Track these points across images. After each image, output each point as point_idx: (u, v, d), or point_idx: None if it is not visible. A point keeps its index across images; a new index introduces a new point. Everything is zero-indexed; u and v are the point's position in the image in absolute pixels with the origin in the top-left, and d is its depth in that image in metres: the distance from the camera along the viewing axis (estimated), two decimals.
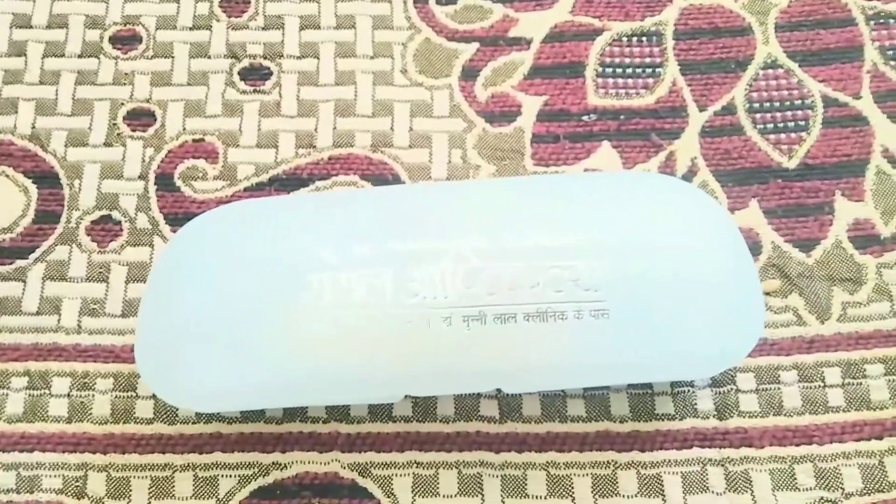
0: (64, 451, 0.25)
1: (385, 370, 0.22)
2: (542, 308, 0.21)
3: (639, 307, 0.21)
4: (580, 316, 0.21)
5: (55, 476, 0.25)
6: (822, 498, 0.24)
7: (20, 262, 0.27)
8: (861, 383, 0.25)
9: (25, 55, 0.29)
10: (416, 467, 0.25)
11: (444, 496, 0.24)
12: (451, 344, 0.21)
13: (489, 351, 0.21)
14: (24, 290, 0.26)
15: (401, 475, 0.25)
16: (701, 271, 0.21)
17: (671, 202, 0.23)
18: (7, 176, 0.28)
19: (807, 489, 0.24)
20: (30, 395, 0.25)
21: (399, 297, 0.21)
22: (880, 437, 0.25)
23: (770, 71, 0.29)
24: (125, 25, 0.30)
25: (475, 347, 0.21)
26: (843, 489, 0.24)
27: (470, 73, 0.29)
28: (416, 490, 0.24)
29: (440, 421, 0.25)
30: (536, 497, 0.24)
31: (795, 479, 0.24)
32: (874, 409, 0.25)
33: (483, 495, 0.24)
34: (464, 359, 0.21)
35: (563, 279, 0.21)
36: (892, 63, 0.29)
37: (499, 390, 0.25)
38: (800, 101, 0.28)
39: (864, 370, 0.25)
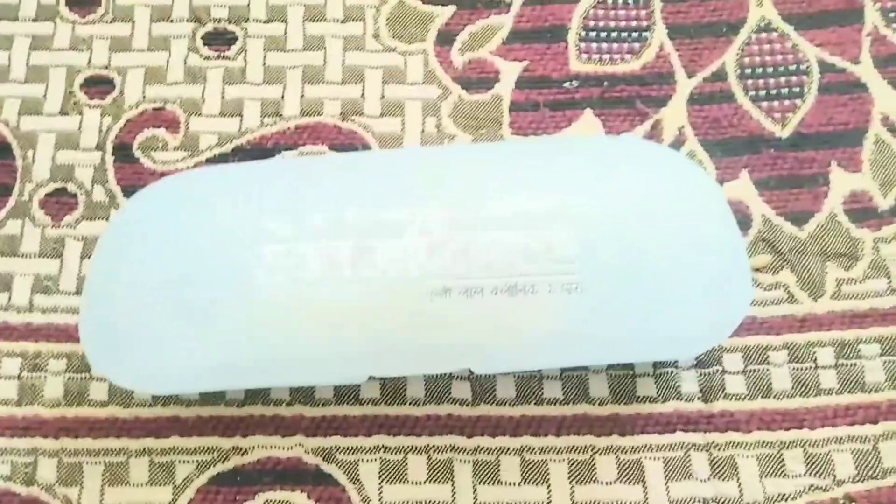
0: (13, 436, 0.24)
1: (345, 348, 0.20)
2: (511, 282, 0.19)
3: (615, 281, 0.19)
4: (551, 290, 0.19)
5: (2, 462, 0.24)
6: (812, 485, 0.23)
7: None
8: (855, 364, 0.24)
9: None
10: (384, 452, 0.24)
11: (412, 482, 0.23)
12: (414, 320, 0.20)
13: (455, 328, 0.20)
14: None
15: (367, 460, 0.23)
16: (683, 242, 0.20)
17: (652, 168, 0.21)
18: None
19: (796, 476, 0.23)
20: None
21: (359, 270, 0.20)
22: (875, 422, 0.24)
23: (763, 35, 0.28)
24: None
25: (440, 324, 0.20)
26: (835, 476, 0.23)
27: (446, 38, 0.28)
28: (384, 476, 0.23)
29: (410, 404, 0.24)
30: (510, 484, 0.23)
31: (784, 465, 0.23)
32: (869, 392, 0.24)
33: (454, 482, 0.23)
34: (428, 336, 0.20)
35: (534, 250, 0.19)
36: (895, 26, 0.27)
37: (471, 371, 0.24)
38: (795, 67, 0.27)
39: (859, 350, 0.24)
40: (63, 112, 0.27)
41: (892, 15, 0.28)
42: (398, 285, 0.20)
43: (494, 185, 0.21)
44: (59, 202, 0.26)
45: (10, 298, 0.25)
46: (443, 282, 0.19)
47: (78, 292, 0.25)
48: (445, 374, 0.24)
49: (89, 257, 0.25)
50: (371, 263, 0.20)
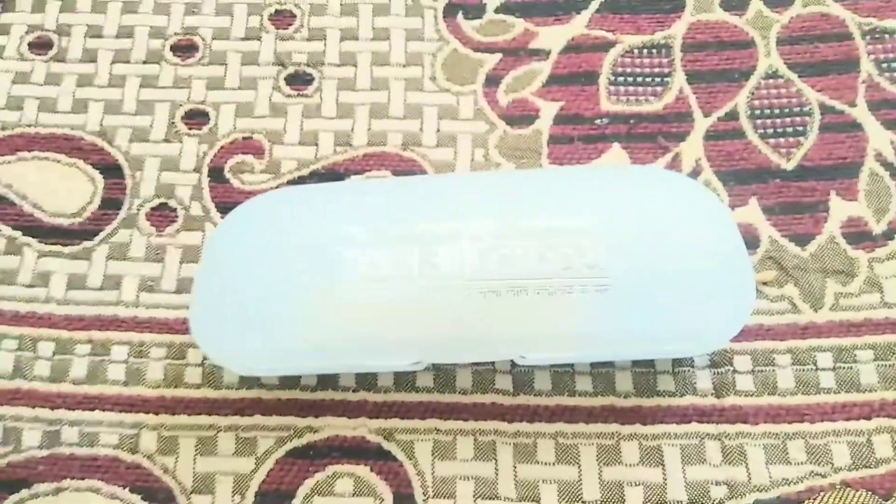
0: (121, 412, 0.28)
1: (409, 337, 0.24)
2: (551, 283, 0.23)
3: (638, 284, 0.23)
4: (585, 291, 0.23)
5: (112, 433, 0.27)
6: (812, 472, 0.26)
7: (87, 243, 0.30)
8: (851, 367, 0.27)
9: (96, 61, 0.33)
10: (437, 434, 0.27)
11: (461, 460, 0.27)
12: (468, 314, 0.23)
13: (503, 320, 0.23)
14: (89, 267, 0.30)
15: (422, 440, 0.27)
16: (695, 254, 0.24)
17: (670, 192, 0.25)
18: (78, 167, 0.31)
19: (798, 463, 0.26)
20: (92, 361, 0.28)
21: (423, 271, 0.24)
22: (869, 418, 0.26)
23: (771, 80, 0.31)
24: (184, 36, 0.33)
25: (490, 317, 0.23)
26: (833, 464, 0.26)
27: (493, 81, 0.32)
28: (436, 454, 0.27)
29: (459, 392, 0.27)
30: (546, 463, 0.26)
31: (788, 453, 0.26)
32: (863, 392, 0.27)
33: (497, 460, 0.27)
34: (480, 327, 0.24)
35: (571, 258, 0.23)
36: (887, 74, 0.31)
37: (513, 364, 0.27)
38: (798, 109, 0.31)
39: (855, 355, 0.27)
40: (166, 139, 0.31)
41: (884, 65, 0.31)
42: (454, 284, 0.23)
43: (535, 202, 0.25)
44: (162, 215, 0.30)
45: (120, 296, 0.29)
46: (492, 282, 0.23)
47: (177, 292, 0.29)
48: (490, 368, 0.28)
49: (187, 262, 0.29)
50: (432, 265, 0.24)
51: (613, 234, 0.24)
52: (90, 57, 0.33)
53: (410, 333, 0.24)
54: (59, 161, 0.31)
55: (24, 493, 0.26)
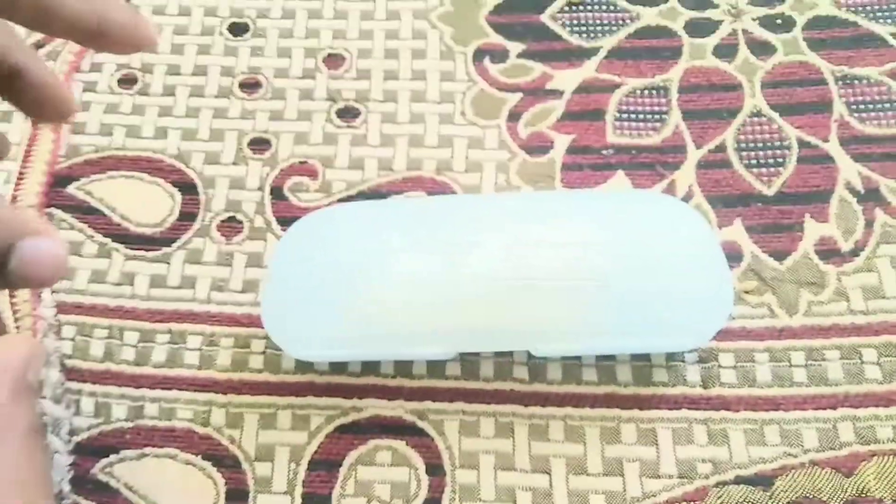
0: (195, 392, 0.32)
1: (441, 330, 0.29)
2: (561, 283, 0.28)
3: (632, 286, 0.28)
4: (589, 289, 0.28)
5: (187, 409, 0.32)
6: (785, 452, 0.30)
7: (166, 249, 0.35)
8: (821, 365, 0.31)
9: (175, 95, 0.38)
10: (463, 415, 0.31)
11: (483, 437, 0.31)
12: (491, 309, 0.28)
13: (521, 313, 0.28)
14: (168, 270, 0.34)
15: (451, 420, 0.31)
16: (683, 262, 0.28)
17: (663, 212, 0.30)
18: (159, 185, 0.36)
19: (773, 445, 0.30)
20: (171, 348, 0.33)
21: (453, 273, 0.28)
22: (834, 408, 0.30)
23: (755, 118, 0.36)
24: (250, 74, 0.39)
25: (510, 310, 0.28)
26: (803, 446, 0.30)
27: (514, 116, 0.37)
28: (462, 432, 0.31)
29: (482, 380, 0.32)
30: (556, 441, 0.30)
31: (764, 437, 0.30)
32: (830, 385, 0.31)
33: (514, 438, 0.31)
34: (501, 319, 0.28)
35: (578, 263, 0.28)
36: (856, 115, 0.36)
37: (529, 356, 0.32)
38: (779, 143, 0.35)
39: (824, 355, 0.31)
40: (234, 163, 0.36)
41: (853, 107, 0.36)
42: (480, 284, 0.28)
43: (549, 219, 0.29)
44: (230, 226, 0.35)
45: (194, 294, 0.34)
46: (512, 282, 0.28)
47: (243, 291, 0.34)
48: (509, 359, 0.32)
49: (251, 266, 0.34)
50: (461, 268, 0.28)
51: (614, 245, 0.28)
52: (170, 91, 0.38)
53: (442, 326, 0.29)
54: (142, 179, 0.36)
55: (113, 457, 0.31)
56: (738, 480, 0.29)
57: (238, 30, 0.40)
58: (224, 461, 0.31)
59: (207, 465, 0.31)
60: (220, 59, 0.39)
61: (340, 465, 0.30)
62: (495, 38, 0.39)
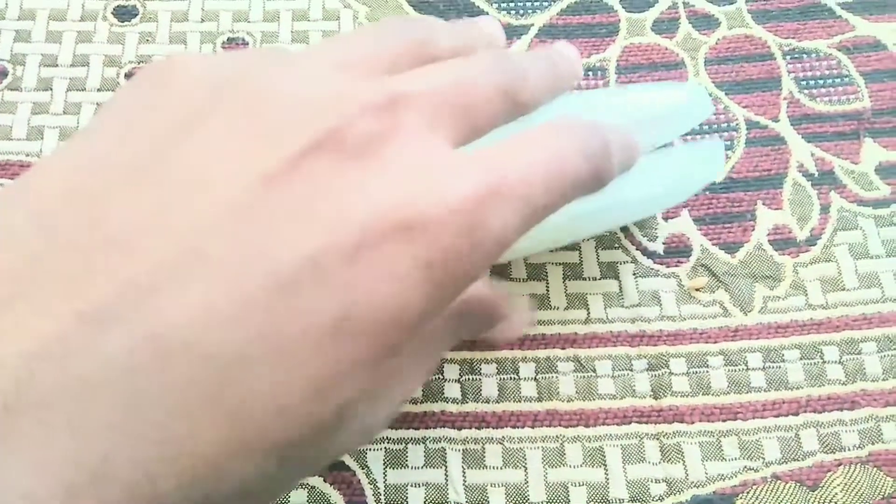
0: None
1: None
2: None
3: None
4: None
5: None
6: (745, 467, 0.27)
7: None
8: (780, 367, 0.29)
9: (51, 90, 0.34)
10: (387, 443, 0.28)
11: (411, 468, 0.27)
12: None
13: None
14: None
15: (373, 449, 0.28)
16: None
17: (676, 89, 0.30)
18: None
19: (732, 459, 0.27)
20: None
21: None
22: (796, 414, 0.28)
23: None
24: (139, 64, 0.34)
25: None
26: (764, 458, 0.27)
27: None
28: (388, 462, 0.27)
29: (409, 402, 0.28)
30: (494, 468, 0.27)
31: (722, 450, 0.27)
32: (791, 389, 0.28)
33: (447, 467, 0.27)
34: None
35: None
36: (806, 91, 0.33)
37: (461, 372, 0.28)
38: (726, 125, 0.33)
39: (782, 355, 0.29)
40: None
41: (803, 83, 0.33)
42: None
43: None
44: None
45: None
46: None
47: None
48: (439, 376, 0.29)
49: None
50: None
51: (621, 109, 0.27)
52: (45, 85, 0.34)
53: None
54: None
55: None
56: (696, 501, 0.27)
57: (125, 14, 0.35)
58: None
59: None
60: (103, 48, 0.35)
61: None
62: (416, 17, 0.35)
